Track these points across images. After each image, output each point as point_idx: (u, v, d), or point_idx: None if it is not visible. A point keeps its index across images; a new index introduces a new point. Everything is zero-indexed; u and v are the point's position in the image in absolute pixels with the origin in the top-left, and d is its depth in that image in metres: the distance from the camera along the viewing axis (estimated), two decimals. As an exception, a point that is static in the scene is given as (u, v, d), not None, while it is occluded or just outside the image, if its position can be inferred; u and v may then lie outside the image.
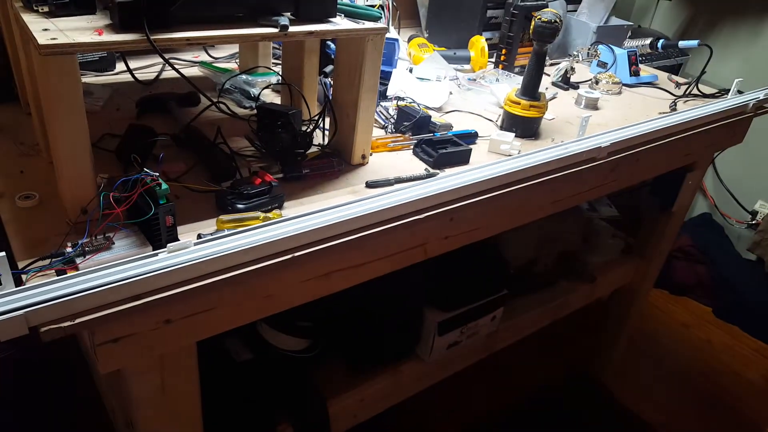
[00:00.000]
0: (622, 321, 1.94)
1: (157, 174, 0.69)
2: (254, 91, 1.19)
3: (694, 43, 1.60)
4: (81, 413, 1.56)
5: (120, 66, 1.28)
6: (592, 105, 1.39)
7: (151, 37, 0.68)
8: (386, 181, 0.96)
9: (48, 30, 0.67)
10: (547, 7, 1.46)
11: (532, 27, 1.12)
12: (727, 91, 1.51)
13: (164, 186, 0.69)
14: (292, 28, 0.79)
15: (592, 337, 2.06)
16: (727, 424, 1.97)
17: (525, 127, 1.18)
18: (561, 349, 2.15)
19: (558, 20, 1.10)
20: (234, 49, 1.45)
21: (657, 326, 2.36)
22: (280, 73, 1.15)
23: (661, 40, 1.67)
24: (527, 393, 1.96)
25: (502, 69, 1.53)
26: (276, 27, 0.78)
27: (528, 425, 1.86)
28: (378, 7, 1.52)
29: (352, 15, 0.89)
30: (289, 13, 0.83)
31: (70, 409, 1.58)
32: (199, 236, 0.73)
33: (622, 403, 1.97)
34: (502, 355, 1.54)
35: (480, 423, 1.83)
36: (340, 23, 0.86)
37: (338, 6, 0.87)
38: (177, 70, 0.78)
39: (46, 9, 0.72)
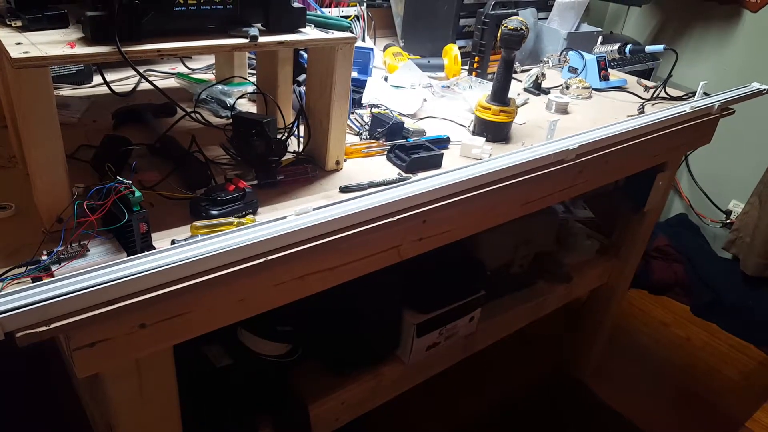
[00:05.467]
0: (600, 320, 1.97)
1: (130, 182, 0.71)
2: (230, 101, 1.21)
3: (660, 47, 1.64)
4: (63, 421, 1.55)
5: (97, 79, 1.29)
6: (562, 109, 1.43)
7: (123, 49, 0.70)
8: (359, 185, 0.98)
9: (21, 44, 0.69)
10: (517, 15, 1.50)
11: (499, 35, 1.16)
12: (694, 93, 1.55)
13: (137, 194, 0.70)
14: (262, 39, 0.82)
15: (571, 336, 2.09)
16: (706, 419, 2.01)
17: (496, 132, 1.22)
18: (541, 349, 2.18)
19: (524, 28, 1.14)
20: (210, 60, 1.47)
21: (636, 325, 2.40)
22: (255, 82, 1.18)
23: (629, 45, 1.71)
24: (509, 393, 1.99)
25: (476, 76, 1.57)
26: (246, 38, 0.80)
27: (510, 425, 1.88)
28: (353, 18, 1.56)
29: (321, 25, 0.92)
30: (259, 24, 0.85)
31: (52, 416, 1.58)
32: (173, 242, 0.74)
33: (602, 401, 2.00)
34: (483, 357, 1.57)
35: (465, 425, 1.85)
36: (310, 33, 0.89)
37: (308, 17, 0.90)
38: (149, 81, 0.80)
39: (19, 23, 0.74)
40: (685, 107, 1.39)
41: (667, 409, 2.03)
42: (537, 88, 1.55)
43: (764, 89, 1.57)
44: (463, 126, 1.29)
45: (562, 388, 2.05)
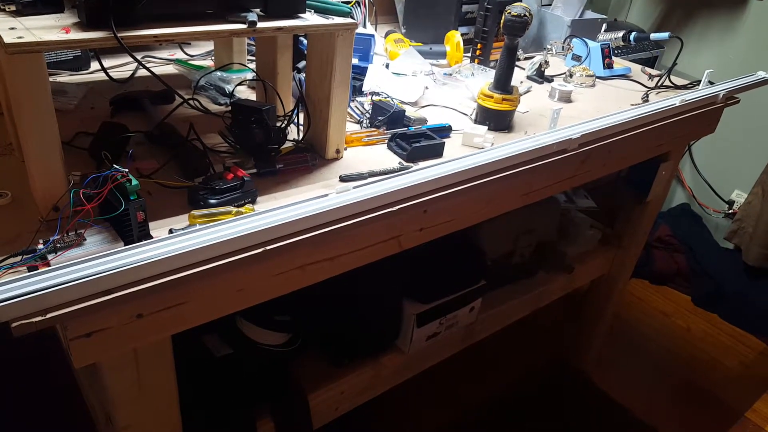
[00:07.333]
0: (601, 310, 1.97)
1: (127, 170, 0.70)
2: (229, 88, 1.20)
3: (665, 35, 1.62)
4: (63, 420, 1.56)
5: (95, 65, 1.28)
6: (566, 98, 1.42)
7: (119, 35, 0.69)
8: (359, 174, 0.97)
9: (15, 29, 0.67)
10: (520, 1, 1.48)
11: (502, 21, 1.14)
12: (699, 82, 1.54)
13: (134, 182, 0.69)
14: (260, 24, 0.80)
15: (572, 326, 2.09)
16: (706, 409, 2.01)
17: (498, 120, 1.20)
18: (541, 339, 2.18)
19: (528, 14, 1.12)
20: (209, 46, 1.45)
21: (637, 315, 2.40)
22: (255, 69, 1.16)
23: (633, 33, 1.69)
24: (509, 383, 1.99)
25: (478, 63, 1.55)
26: (244, 23, 0.79)
27: (510, 415, 1.88)
28: (354, 3, 1.54)
29: (321, 11, 0.90)
30: (258, 10, 0.84)
31: (52, 415, 1.59)
32: (170, 231, 0.73)
33: (603, 392, 2.00)
34: (484, 347, 1.57)
35: (466, 415, 1.85)
36: (310, 19, 0.87)
37: (307, 2, 0.88)
38: (146, 67, 0.79)
39: (13, 8, 0.73)
40: (690, 96, 1.37)
41: (666, 400, 2.03)
42: (540, 76, 1.53)
43: (770, 78, 1.55)
44: (465, 114, 1.28)
45: (563, 378, 2.06)
